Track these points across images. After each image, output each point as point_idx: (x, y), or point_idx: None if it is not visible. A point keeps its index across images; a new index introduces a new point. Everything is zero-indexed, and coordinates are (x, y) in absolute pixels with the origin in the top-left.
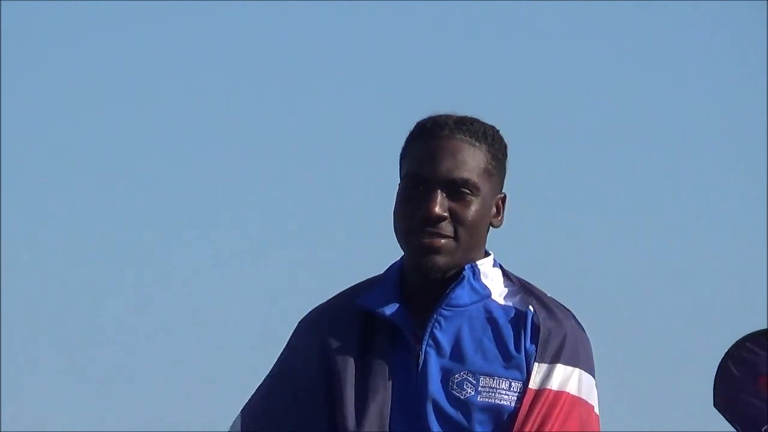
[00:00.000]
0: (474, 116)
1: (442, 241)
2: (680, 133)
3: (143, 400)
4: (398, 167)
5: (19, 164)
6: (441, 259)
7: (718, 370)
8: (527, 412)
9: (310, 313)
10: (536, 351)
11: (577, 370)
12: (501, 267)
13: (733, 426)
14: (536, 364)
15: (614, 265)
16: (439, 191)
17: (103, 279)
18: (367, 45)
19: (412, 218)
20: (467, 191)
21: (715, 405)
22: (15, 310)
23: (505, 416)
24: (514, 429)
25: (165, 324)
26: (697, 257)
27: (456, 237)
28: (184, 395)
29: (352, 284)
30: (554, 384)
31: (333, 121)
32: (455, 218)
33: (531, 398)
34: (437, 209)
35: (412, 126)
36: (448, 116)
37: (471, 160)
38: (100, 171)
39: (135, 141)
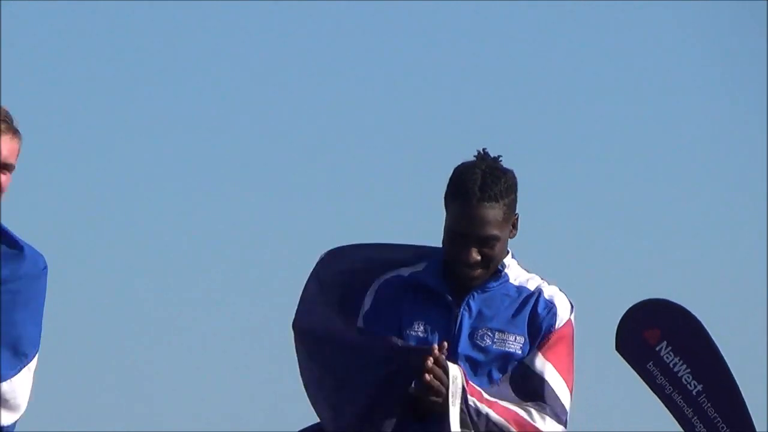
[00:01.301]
0: (493, 163)
1: (478, 271)
2: (681, 139)
3: (144, 400)
4: (443, 203)
5: (20, 163)
6: (477, 281)
7: (618, 325)
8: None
9: (389, 273)
10: (545, 317)
11: (569, 320)
12: (516, 260)
13: (629, 364)
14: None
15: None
16: (473, 246)
17: (104, 278)
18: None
19: (455, 257)
20: (493, 241)
21: (616, 348)
22: None
23: (511, 358)
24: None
25: (169, 324)
26: (699, 266)
27: (487, 266)
28: (187, 395)
29: (418, 244)
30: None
31: (345, 124)
32: (486, 258)
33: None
34: (472, 258)
35: (421, 130)
36: (474, 181)
37: (493, 218)
38: (104, 170)
39: (146, 142)
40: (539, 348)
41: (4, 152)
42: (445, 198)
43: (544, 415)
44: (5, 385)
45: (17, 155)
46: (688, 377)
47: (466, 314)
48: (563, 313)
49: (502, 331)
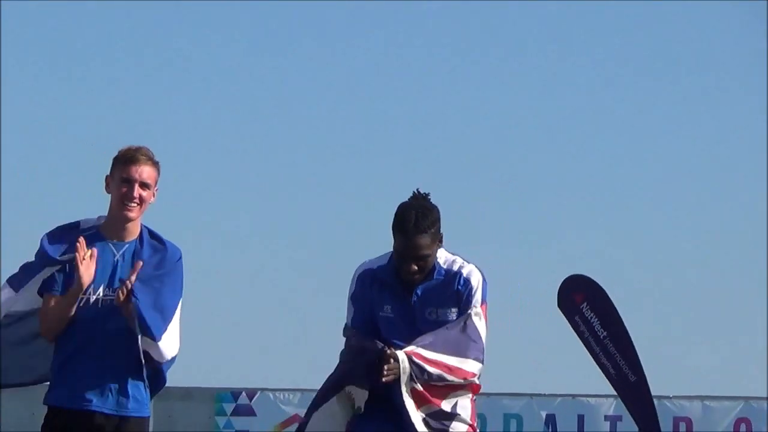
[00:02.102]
0: (423, 202)
1: (417, 276)
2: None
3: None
4: (392, 231)
5: (20, 161)
6: (419, 280)
7: (558, 290)
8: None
9: (363, 269)
10: (465, 291)
11: (480, 289)
12: (443, 248)
13: (564, 315)
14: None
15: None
16: (411, 262)
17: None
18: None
19: (401, 269)
20: (426, 258)
21: (557, 305)
22: None
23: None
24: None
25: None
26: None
27: (423, 271)
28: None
29: (381, 254)
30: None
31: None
32: (421, 268)
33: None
34: (412, 269)
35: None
36: (409, 220)
37: (425, 244)
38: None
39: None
40: (463, 311)
41: (144, 175)
42: (392, 229)
43: (467, 359)
44: (159, 336)
45: (155, 179)
46: (599, 326)
47: (416, 300)
48: (476, 285)
49: (442, 307)
